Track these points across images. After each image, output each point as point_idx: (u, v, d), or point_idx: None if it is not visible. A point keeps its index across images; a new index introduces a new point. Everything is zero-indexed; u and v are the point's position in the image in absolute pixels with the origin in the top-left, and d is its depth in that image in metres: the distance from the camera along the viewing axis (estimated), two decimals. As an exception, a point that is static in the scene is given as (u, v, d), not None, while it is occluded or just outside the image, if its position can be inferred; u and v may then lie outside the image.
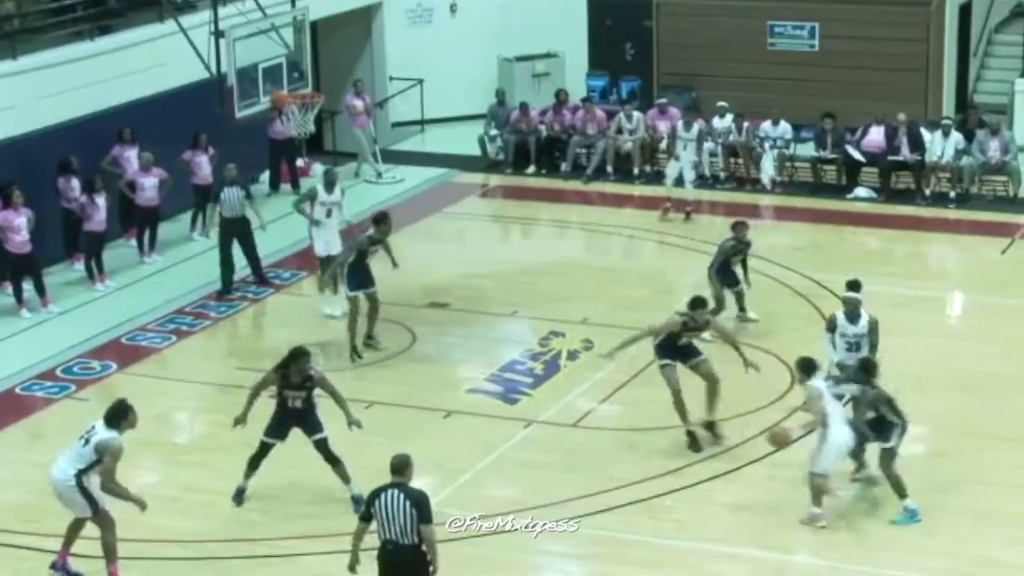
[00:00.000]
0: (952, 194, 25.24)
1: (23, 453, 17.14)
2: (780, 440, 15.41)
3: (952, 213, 24.83)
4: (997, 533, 14.71)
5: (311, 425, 15.36)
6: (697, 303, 16.62)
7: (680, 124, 25.02)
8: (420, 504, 12.07)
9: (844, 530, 14.95)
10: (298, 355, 15.35)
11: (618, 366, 18.74)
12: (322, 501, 15.49)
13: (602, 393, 18.09)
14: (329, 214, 20.52)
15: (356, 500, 14.96)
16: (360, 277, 19.26)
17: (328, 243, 20.44)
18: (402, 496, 12.06)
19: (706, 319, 16.66)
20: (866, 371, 15.31)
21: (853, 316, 16.60)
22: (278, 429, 15.47)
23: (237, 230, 21.62)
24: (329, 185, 20.66)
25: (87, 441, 13.67)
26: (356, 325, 19.23)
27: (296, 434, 17.01)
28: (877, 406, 14.96)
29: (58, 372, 19.11)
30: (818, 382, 14.99)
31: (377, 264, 19.68)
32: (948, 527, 14.85)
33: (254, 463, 15.51)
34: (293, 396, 15.31)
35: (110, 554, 13.94)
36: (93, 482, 13.74)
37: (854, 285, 16.90)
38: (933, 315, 20.89)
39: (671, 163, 24.81)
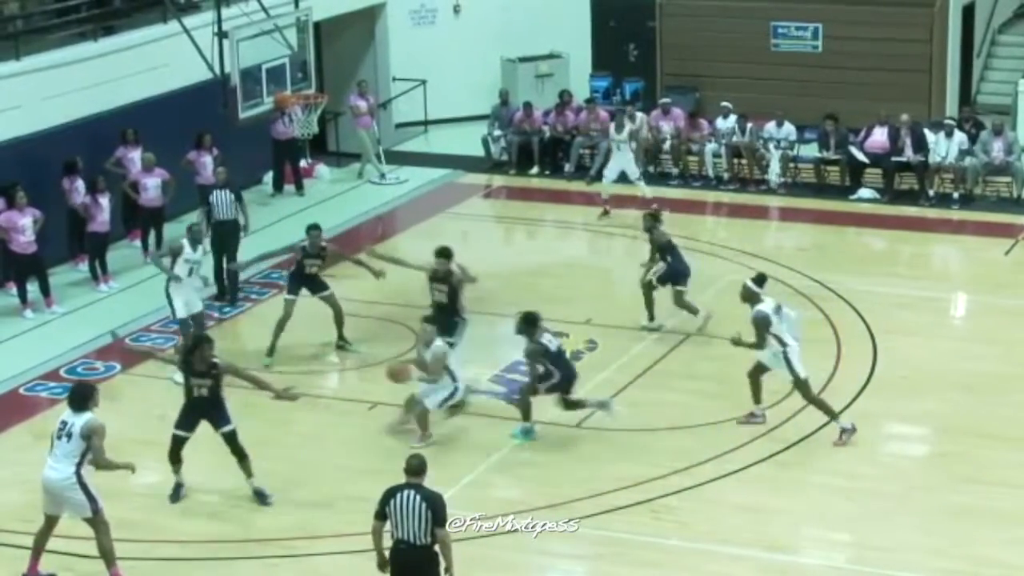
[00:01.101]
0: (956, 195, 25.23)
1: (26, 453, 17.12)
2: (398, 374, 16.61)
3: (956, 214, 24.82)
4: (999, 533, 14.71)
5: (219, 417, 15.40)
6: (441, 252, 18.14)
7: (612, 126, 25.30)
8: (435, 506, 12.10)
9: (846, 531, 14.97)
10: (201, 341, 15.45)
11: (620, 367, 18.80)
12: (326, 501, 15.50)
13: (605, 394, 18.04)
14: (191, 272, 18.99)
15: (259, 494, 15.37)
16: (298, 282, 19.35)
17: (188, 303, 18.88)
18: (418, 497, 12.08)
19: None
20: (528, 323, 16.61)
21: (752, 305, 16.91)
22: (186, 421, 15.54)
23: (227, 233, 21.35)
24: (194, 242, 19.08)
25: (69, 435, 13.67)
26: (282, 328, 19.18)
27: (297, 434, 17.09)
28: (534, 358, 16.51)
29: (62, 373, 19.13)
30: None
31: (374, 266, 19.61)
32: (949, 527, 14.86)
33: (174, 457, 15.56)
34: (198, 384, 15.35)
35: (108, 556, 13.94)
36: (90, 476, 13.75)
37: (760, 280, 17.19)
38: (936, 316, 20.89)
39: (609, 164, 25.29)
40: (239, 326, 20.92)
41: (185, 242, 18.96)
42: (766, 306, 16.71)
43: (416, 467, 12.28)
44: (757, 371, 17.07)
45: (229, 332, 20.64)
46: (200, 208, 21.72)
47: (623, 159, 25.09)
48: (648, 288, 19.89)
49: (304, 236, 19.50)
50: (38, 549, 14.15)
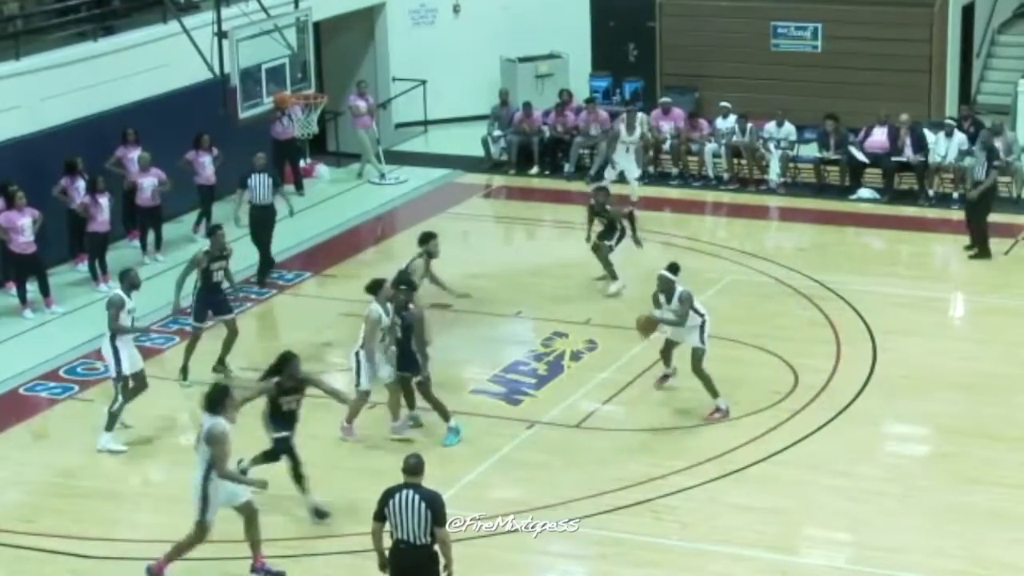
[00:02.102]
0: (955, 195, 25.22)
1: (26, 454, 17.15)
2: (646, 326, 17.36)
3: (955, 214, 24.75)
4: (999, 533, 14.71)
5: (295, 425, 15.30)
6: None
7: (623, 127, 25.14)
8: (435, 506, 12.11)
9: (846, 531, 14.96)
10: (289, 358, 15.17)
11: (620, 367, 18.79)
12: (329, 501, 15.47)
13: (605, 394, 18.10)
14: (132, 323, 17.37)
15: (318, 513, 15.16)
16: (206, 304, 18.62)
17: (132, 357, 17.20)
18: (417, 497, 12.09)
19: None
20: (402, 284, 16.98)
21: (668, 293, 17.32)
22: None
23: (263, 218, 21.85)
24: (131, 289, 17.24)
25: (199, 439, 13.55)
26: (194, 348, 18.71)
27: (297, 435, 17.10)
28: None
29: (61, 373, 19.12)
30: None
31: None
32: (950, 527, 14.85)
33: (297, 475, 15.12)
34: (288, 400, 15.11)
35: (174, 556, 13.81)
36: (213, 485, 13.57)
37: (673, 268, 17.55)
38: (936, 315, 20.88)
39: (608, 169, 25.36)
40: (238, 325, 20.85)
41: (122, 293, 17.12)
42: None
43: (414, 467, 12.28)
44: (669, 347, 17.61)
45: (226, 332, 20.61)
46: (238, 190, 22.23)
47: (628, 160, 25.07)
48: (597, 249, 21.33)
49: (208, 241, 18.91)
50: (254, 543, 14.03)
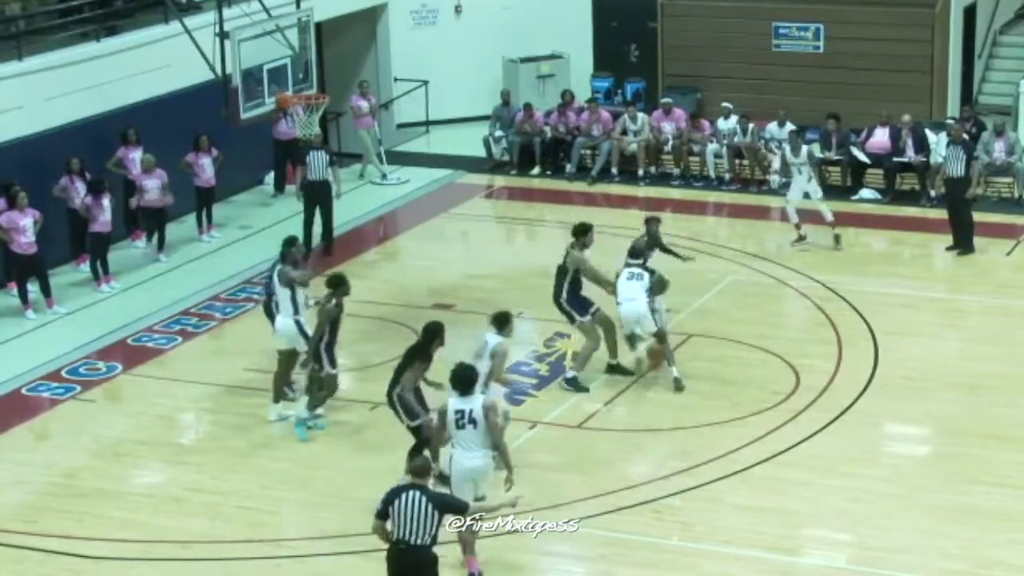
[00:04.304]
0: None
1: (28, 454, 17.16)
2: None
3: (956, 215, 24.79)
4: (1001, 534, 14.71)
5: None
6: None
7: (787, 149, 23.66)
8: (445, 505, 12.24)
9: (847, 531, 14.97)
10: (442, 327, 15.46)
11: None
12: (329, 502, 15.51)
13: (607, 394, 18.10)
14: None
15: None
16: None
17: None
18: (424, 499, 12.10)
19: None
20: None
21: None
22: (423, 403, 15.53)
23: (320, 192, 22.84)
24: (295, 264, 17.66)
25: (472, 421, 13.71)
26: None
27: (292, 433, 17.16)
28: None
29: (63, 373, 19.13)
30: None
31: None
32: (951, 528, 14.85)
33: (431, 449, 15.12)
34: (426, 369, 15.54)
35: (468, 546, 13.97)
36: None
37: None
38: (937, 316, 20.87)
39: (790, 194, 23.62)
40: (240, 326, 20.88)
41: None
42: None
43: (421, 468, 12.33)
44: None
45: (228, 332, 20.65)
46: (298, 168, 23.51)
47: (803, 181, 23.29)
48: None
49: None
50: (466, 543, 14.01)
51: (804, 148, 23.46)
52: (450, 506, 12.37)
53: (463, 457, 13.75)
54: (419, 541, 12.11)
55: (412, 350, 15.61)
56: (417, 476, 12.27)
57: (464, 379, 13.90)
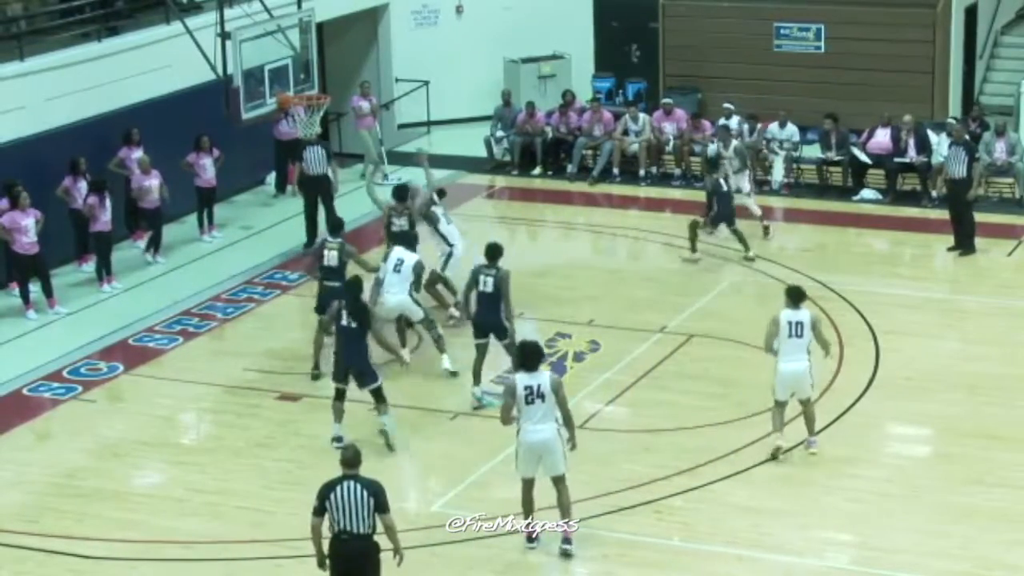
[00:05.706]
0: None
1: (29, 454, 17.17)
2: None
3: (957, 215, 24.78)
4: (1002, 535, 14.71)
5: None
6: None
7: (719, 143, 24.33)
8: (378, 494, 12.38)
9: (849, 532, 14.97)
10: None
11: (623, 368, 18.80)
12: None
13: (608, 395, 18.10)
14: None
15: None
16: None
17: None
18: (359, 487, 12.33)
19: None
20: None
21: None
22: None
23: (319, 187, 22.91)
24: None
25: (541, 396, 14.06)
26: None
27: (298, 435, 17.15)
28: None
29: (65, 373, 19.13)
30: None
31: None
32: (953, 529, 14.85)
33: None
34: None
35: (566, 510, 14.35)
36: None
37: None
38: (939, 317, 20.87)
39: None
40: (241, 326, 20.89)
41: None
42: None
43: (352, 458, 12.51)
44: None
45: (229, 332, 20.65)
46: (297, 164, 23.73)
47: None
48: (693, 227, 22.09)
49: None
50: (530, 512, 14.45)
51: (733, 142, 24.12)
52: (383, 495, 12.45)
53: (531, 430, 14.09)
54: (361, 530, 12.33)
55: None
56: (348, 467, 12.45)
57: (533, 355, 14.23)
